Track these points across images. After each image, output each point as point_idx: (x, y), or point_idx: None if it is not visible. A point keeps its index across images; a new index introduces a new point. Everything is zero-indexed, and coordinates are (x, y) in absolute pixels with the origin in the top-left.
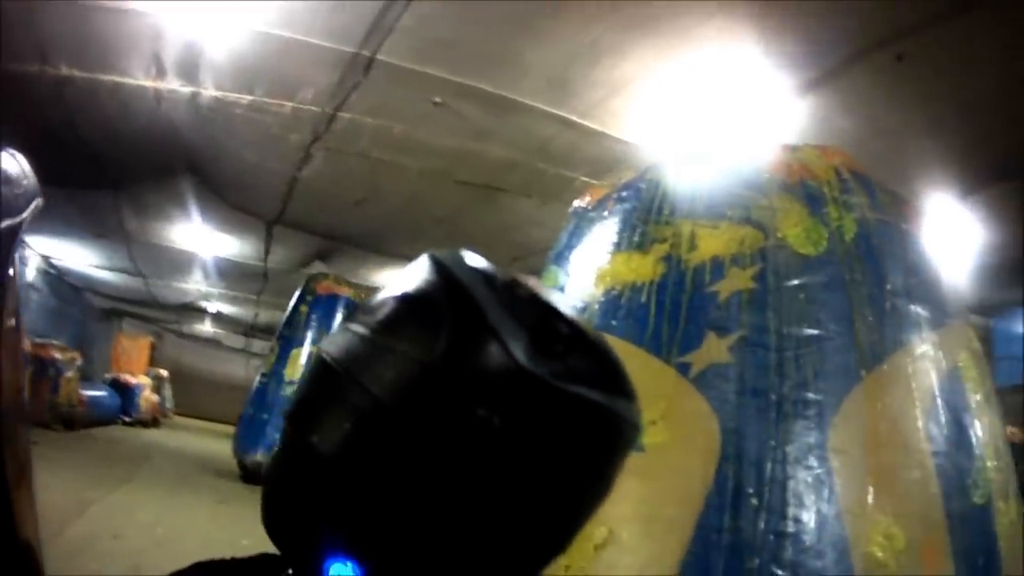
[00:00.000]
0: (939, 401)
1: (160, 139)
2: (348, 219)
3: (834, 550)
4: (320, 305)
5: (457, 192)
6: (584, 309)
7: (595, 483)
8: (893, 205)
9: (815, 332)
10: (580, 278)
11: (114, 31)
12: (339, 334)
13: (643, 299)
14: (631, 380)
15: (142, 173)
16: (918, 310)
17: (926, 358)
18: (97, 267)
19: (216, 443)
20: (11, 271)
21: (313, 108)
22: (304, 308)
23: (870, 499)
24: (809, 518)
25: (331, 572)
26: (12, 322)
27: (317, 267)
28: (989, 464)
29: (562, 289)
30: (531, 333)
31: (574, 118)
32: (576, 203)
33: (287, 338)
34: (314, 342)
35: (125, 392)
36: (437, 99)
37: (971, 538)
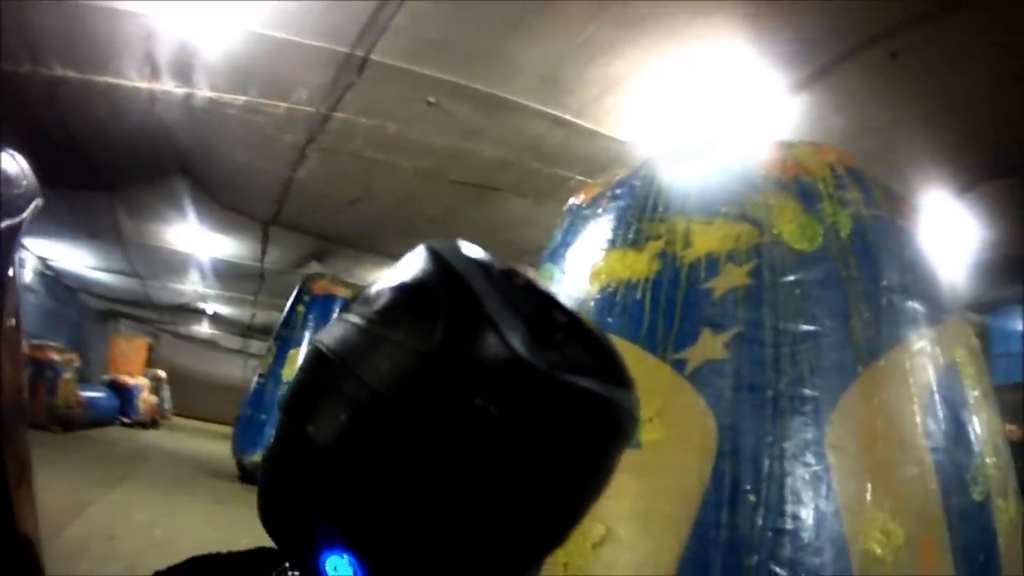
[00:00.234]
0: (937, 397)
1: (154, 140)
2: (343, 219)
3: (832, 547)
4: (317, 305)
5: (451, 191)
6: (579, 307)
7: (593, 474)
8: (888, 201)
9: (811, 328)
10: (575, 276)
11: (107, 31)
12: (335, 325)
13: (638, 296)
14: (629, 371)
15: (136, 174)
16: (915, 306)
17: (923, 354)
18: (93, 268)
19: (214, 444)
20: (11, 271)
21: (307, 108)
22: (301, 308)
23: (868, 496)
24: (807, 515)
25: (328, 565)
26: (12, 322)
27: (313, 267)
28: (988, 461)
29: (556, 286)
30: (529, 323)
31: (567, 117)
32: (571, 201)
33: (284, 339)
34: (312, 342)
35: (123, 393)
36: (431, 99)
37: (970, 535)
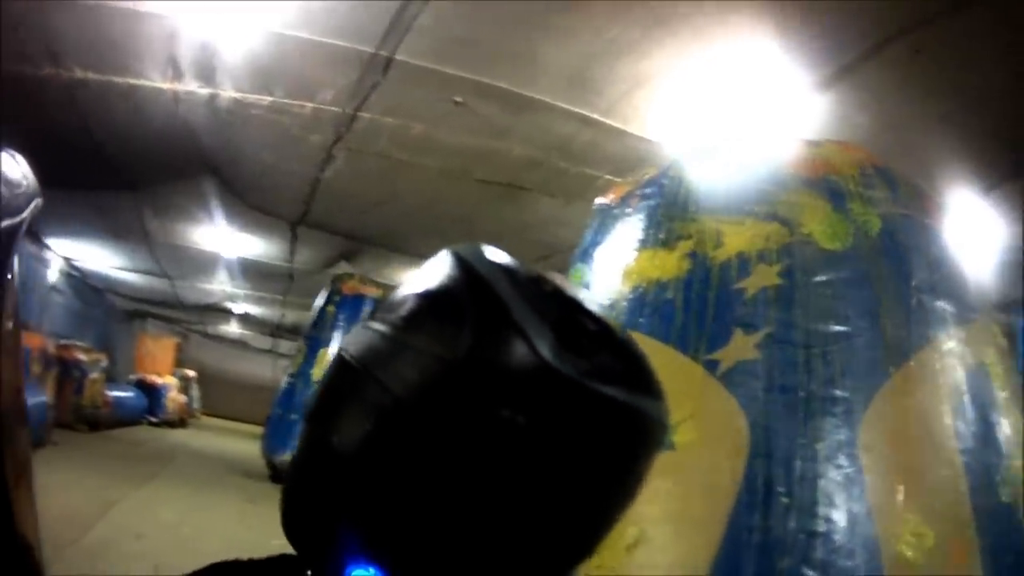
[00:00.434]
0: (966, 398)
1: (179, 141)
2: (371, 219)
3: (864, 549)
4: (346, 305)
5: (478, 191)
6: (611, 307)
7: (623, 483)
8: (916, 200)
9: (842, 328)
10: (606, 276)
11: (128, 33)
12: (359, 332)
13: (669, 296)
14: (658, 378)
15: (161, 175)
16: (944, 306)
17: (953, 354)
18: (119, 268)
19: (243, 443)
20: (10, 275)
21: (333, 109)
22: (331, 308)
23: (899, 497)
24: (840, 517)
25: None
26: (10, 324)
27: (343, 267)
28: (1016, 462)
29: (588, 287)
30: (556, 329)
31: (594, 116)
32: (600, 200)
33: (314, 338)
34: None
35: (151, 393)
36: (457, 98)
37: (999, 536)
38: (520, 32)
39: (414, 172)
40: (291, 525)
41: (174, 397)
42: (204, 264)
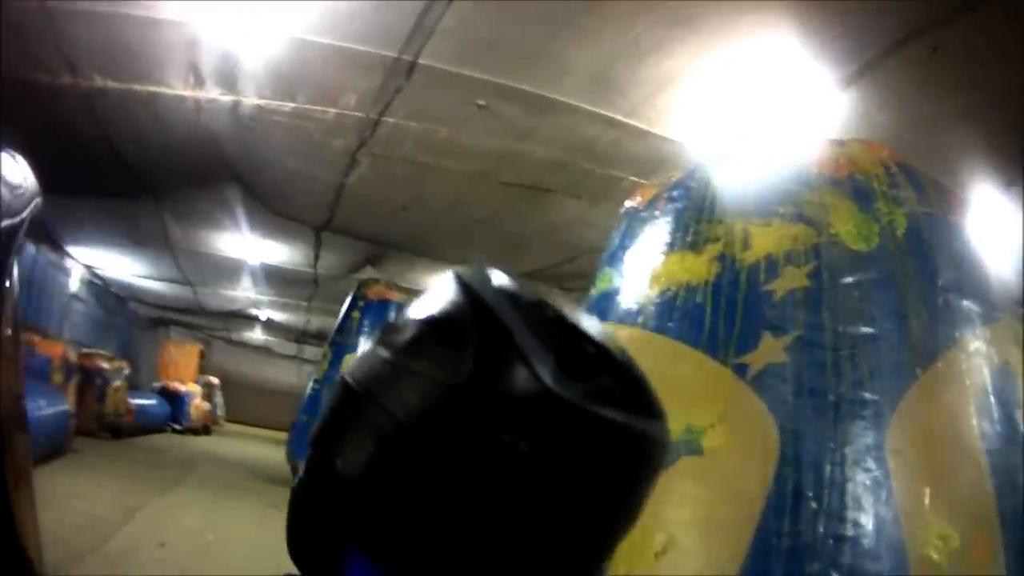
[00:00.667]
0: (992, 398)
1: (201, 148)
2: (396, 224)
3: (891, 553)
4: (372, 310)
5: (503, 194)
6: (639, 311)
7: (624, 505)
8: (940, 198)
9: (870, 330)
10: (634, 279)
11: (147, 41)
12: (363, 357)
13: (699, 299)
14: (659, 398)
15: (183, 182)
16: (970, 305)
17: (979, 354)
18: (141, 276)
19: (267, 449)
20: (9, 280)
21: (356, 114)
22: (356, 314)
23: (926, 500)
24: (867, 521)
25: None
26: (9, 331)
27: (368, 272)
28: None
29: (616, 291)
30: (558, 354)
31: (619, 117)
32: (627, 203)
33: (339, 344)
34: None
35: (174, 400)
36: (480, 101)
37: (1023, 536)
38: (543, 34)
39: (439, 176)
40: (295, 547)
41: (197, 404)
42: (227, 271)
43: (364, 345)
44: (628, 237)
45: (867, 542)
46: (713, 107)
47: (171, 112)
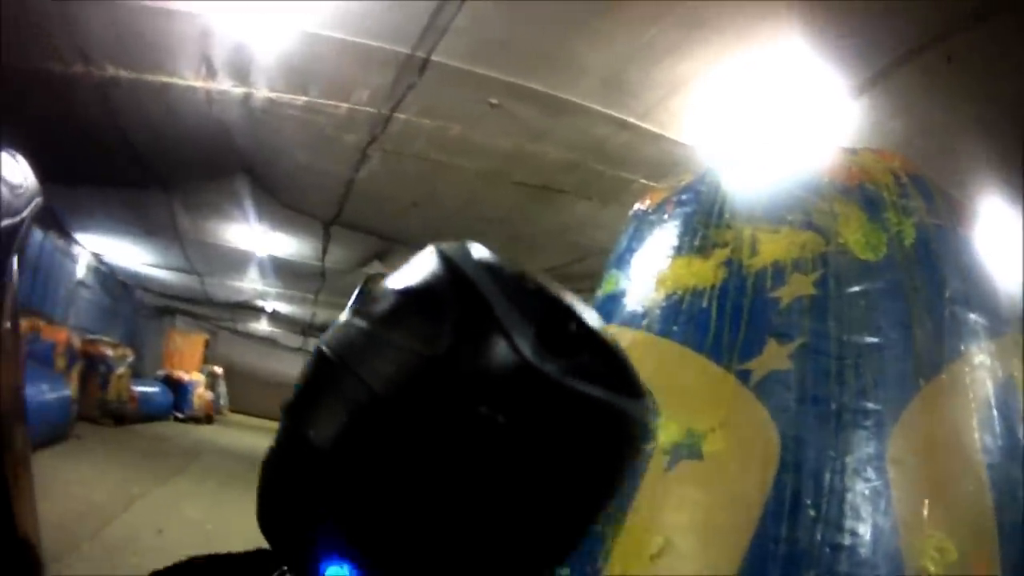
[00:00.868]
0: (994, 412)
1: (212, 139)
2: (405, 220)
3: (888, 563)
4: None
5: (514, 193)
6: (645, 314)
7: (602, 482)
8: (950, 209)
9: (875, 340)
10: (641, 282)
11: (161, 31)
12: (339, 326)
13: (704, 304)
14: (640, 377)
15: (194, 173)
16: (976, 318)
17: (983, 367)
18: (149, 265)
19: (270, 440)
20: (8, 278)
21: (368, 109)
22: None
23: (925, 512)
24: (865, 531)
25: (327, 573)
26: (9, 324)
27: (376, 267)
28: None
29: (623, 293)
30: (538, 328)
31: (631, 119)
32: (636, 206)
33: None
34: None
35: (178, 389)
36: (493, 100)
37: (1021, 551)
38: (557, 34)
39: (449, 173)
40: (266, 520)
41: (201, 393)
42: (235, 262)
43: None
44: (636, 240)
45: (864, 551)
46: (726, 112)
47: (183, 103)
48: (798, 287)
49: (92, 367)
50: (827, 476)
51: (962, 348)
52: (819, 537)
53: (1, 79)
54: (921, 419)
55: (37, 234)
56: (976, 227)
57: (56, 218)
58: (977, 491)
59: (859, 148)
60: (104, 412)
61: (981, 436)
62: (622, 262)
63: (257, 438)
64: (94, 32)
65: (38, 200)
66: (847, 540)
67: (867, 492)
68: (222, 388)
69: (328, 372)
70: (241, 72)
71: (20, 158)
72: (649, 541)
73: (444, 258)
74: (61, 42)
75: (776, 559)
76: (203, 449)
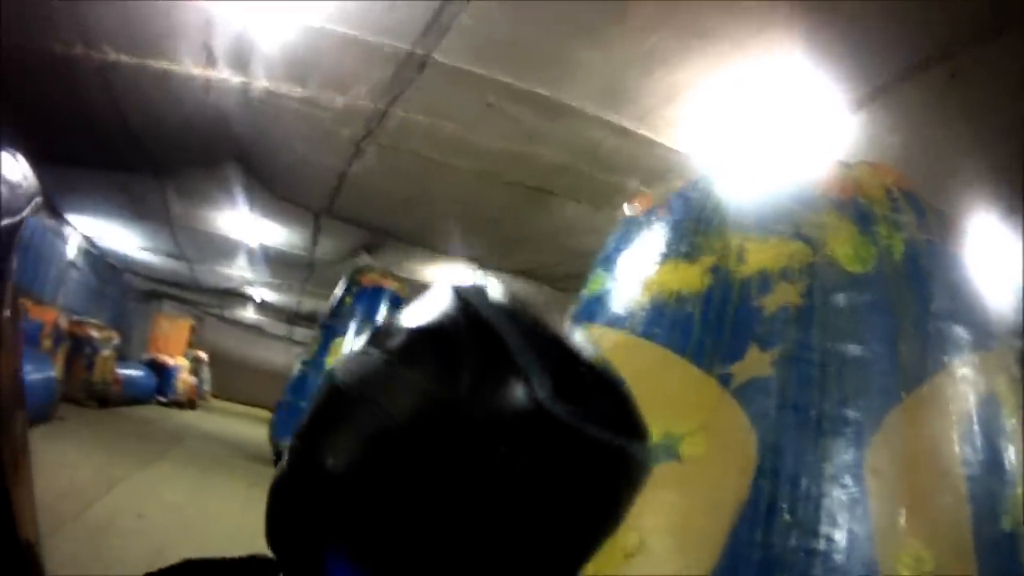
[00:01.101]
0: (976, 425)
1: (208, 127)
2: (397, 215)
3: (863, 570)
4: (365, 297)
5: (507, 194)
6: (629, 316)
7: (606, 519)
8: (941, 225)
9: (859, 351)
10: (626, 285)
11: (163, 18)
12: (355, 356)
13: (689, 309)
14: (644, 418)
15: (188, 159)
16: (961, 333)
17: (966, 381)
18: (139, 249)
19: (252, 428)
20: (9, 276)
21: (366, 104)
22: (348, 299)
23: (902, 521)
24: (841, 537)
25: None
26: (8, 313)
27: (363, 259)
28: (1020, 491)
29: (608, 294)
30: (554, 373)
31: (627, 125)
32: (626, 209)
33: (330, 327)
34: (357, 333)
35: (162, 373)
36: (490, 100)
37: (999, 564)
38: (559, 37)
39: (443, 172)
40: (276, 539)
41: (185, 378)
42: (225, 249)
43: (355, 330)
44: (624, 242)
45: (839, 558)
46: (722, 121)
47: (182, 90)
48: (784, 295)
49: (78, 348)
50: (804, 482)
51: (946, 361)
52: (794, 542)
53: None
54: (901, 429)
55: None
56: (967, 244)
57: (49, 198)
58: (955, 504)
59: (855, 162)
60: (89, 394)
61: (961, 449)
62: (609, 263)
63: (238, 425)
64: (96, 15)
65: (38, 200)
66: (822, 546)
67: (844, 499)
68: (206, 374)
69: (343, 401)
70: (241, 62)
71: (20, 157)
72: (624, 538)
73: (462, 299)
74: (62, 24)
75: (750, 563)
76: (186, 434)
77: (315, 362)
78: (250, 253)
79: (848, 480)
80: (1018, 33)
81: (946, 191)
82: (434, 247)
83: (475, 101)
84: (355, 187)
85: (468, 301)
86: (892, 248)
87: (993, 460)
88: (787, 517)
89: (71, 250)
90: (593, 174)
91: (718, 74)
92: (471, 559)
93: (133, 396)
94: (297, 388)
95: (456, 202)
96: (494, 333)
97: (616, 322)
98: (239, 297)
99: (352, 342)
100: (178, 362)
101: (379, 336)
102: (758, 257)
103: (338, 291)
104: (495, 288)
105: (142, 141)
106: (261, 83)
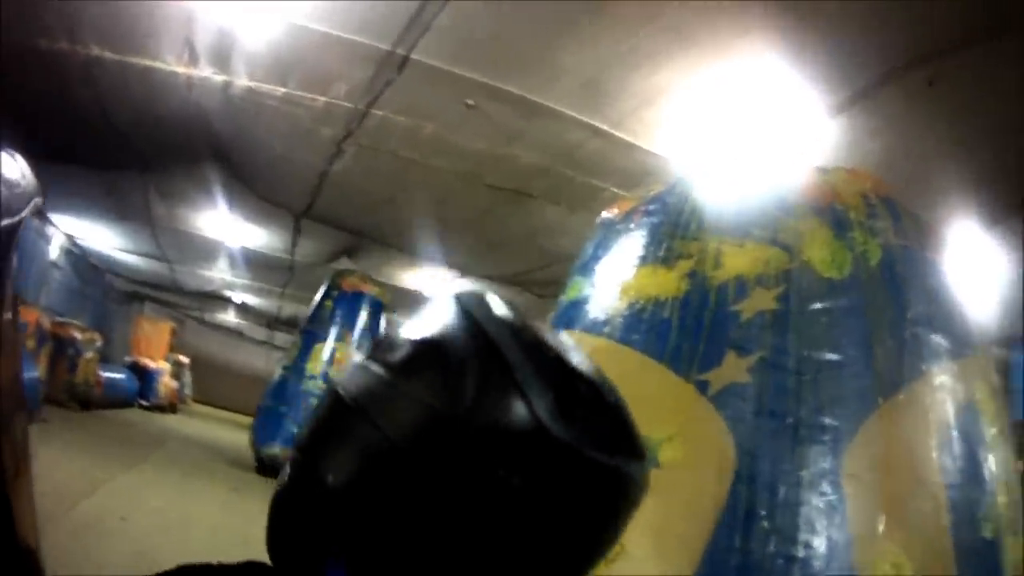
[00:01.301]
0: (954, 433)
1: (190, 125)
2: (376, 216)
3: None
4: (345, 301)
5: (486, 195)
6: (607, 322)
7: (602, 538)
8: (918, 231)
9: (835, 357)
10: (604, 290)
11: (146, 14)
12: (356, 370)
13: (666, 314)
14: (642, 439)
15: (170, 158)
16: (938, 340)
17: (944, 389)
18: (121, 249)
19: (232, 433)
20: (8, 275)
21: (346, 104)
22: (329, 303)
23: (880, 527)
24: (819, 544)
25: None
26: (9, 315)
27: (344, 263)
28: (1000, 499)
29: (586, 300)
30: (555, 393)
31: (605, 127)
32: (604, 214)
33: (311, 332)
34: (338, 338)
35: (144, 376)
36: (470, 101)
37: (978, 571)
38: (538, 38)
39: (423, 172)
40: (276, 551)
41: (166, 382)
42: (206, 251)
43: (335, 335)
44: (602, 247)
45: (818, 564)
46: (700, 124)
47: (164, 87)
48: (760, 301)
49: (61, 350)
50: (781, 489)
51: (923, 368)
52: (772, 549)
53: None
54: (878, 436)
55: None
56: (945, 250)
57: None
58: (934, 509)
59: (832, 167)
60: (71, 395)
61: (940, 457)
62: (587, 269)
63: (219, 429)
64: (81, 10)
65: (37, 200)
66: (801, 552)
67: (822, 506)
68: (187, 378)
69: (345, 416)
70: (222, 59)
71: (19, 159)
72: None
73: (465, 313)
74: (48, 18)
75: (729, 568)
76: (168, 437)
77: (296, 367)
78: (231, 255)
79: (826, 487)
80: (995, 41)
81: (925, 196)
82: (414, 252)
83: (455, 101)
84: (335, 187)
85: (471, 314)
86: (868, 254)
87: (973, 468)
88: (765, 523)
89: (53, 250)
90: (572, 176)
91: (698, 77)
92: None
93: (115, 399)
94: (278, 393)
95: (436, 203)
96: (497, 350)
97: (594, 328)
98: (220, 300)
99: (332, 347)
100: (160, 365)
101: (381, 349)
102: (735, 262)
103: (319, 296)
104: (496, 301)
105: (125, 138)
106: (242, 81)
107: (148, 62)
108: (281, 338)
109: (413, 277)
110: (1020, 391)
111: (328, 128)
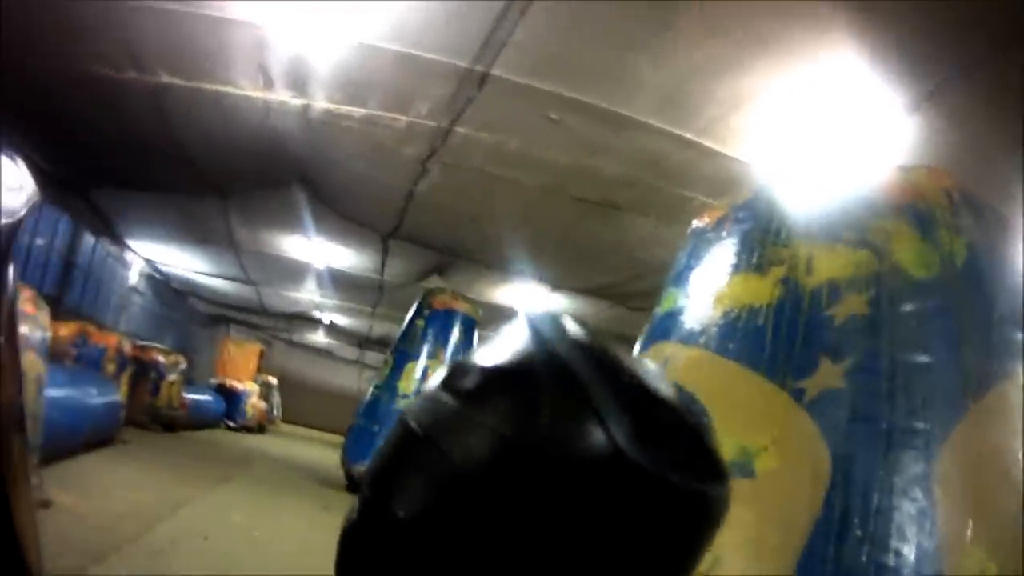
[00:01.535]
0: None
1: (269, 149)
2: (465, 233)
3: None
4: (436, 320)
5: (573, 208)
6: (702, 332)
7: (685, 562)
8: (1000, 228)
9: (925, 359)
10: (698, 300)
11: (216, 40)
12: (426, 400)
13: (760, 322)
14: (724, 459)
15: (250, 182)
16: None
17: None
18: (204, 273)
19: (322, 452)
20: (5, 284)
21: (428, 122)
22: (420, 322)
23: (968, 531)
24: (909, 551)
25: None
26: (7, 335)
27: (434, 281)
28: None
29: (681, 311)
30: (633, 417)
31: (690, 136)
32: (694, 223)
33: (402, 352)
34: (430, 356)
35: (231, 397)
36: (553, 115)
37: None
38: (616, 49)
39: (509, 187)
40: None
41: (254, 403)
42: (291, 272)
43: (428, 354)
44: (694, 257)
45: (907, 572)
46: (782, 128)
47: (240, 112)
48: (852, 305)
49: (143, 373)
50: (875, 496)
51: (1010, 368)
52: (864, 558)
53: (47, 84)
54: (968, 439)
55: (89, 239)
56: None
57: (109, 224)
58: (1019, 511)
59: (911, 166)
60: (154, 418)
61: None
62: (680, 280)
63: (309, 449)
64: (146, 38)
65: (36, 202)
66: (892, 560)
67: (913, 512)
68: (276, 398)
69: (414, 446)
70: (298, 83)
71: (18, 159)
72: None
73: (538, 336)
74: (111, 48)
75: None
76: (254, 457)
77: (388, 386)
78: (318, 276)
79: (917, 492)
80: None
81: (1002, 193)
82: (504, 267)
83: (537, 116)
84: (422, 206)
85: (544, 337)
86: (954, 253)
87: None
88: (859, 532)
89: (133, 275)
90: (659, 186)
91: (777, 81)
92: None
93: (201, 420)
94: (370, 412)
95: (523, 218)
96: (571, 373)
97: (690, 338)
98: (308, 321)
99: (424, 365)
100: (247, 387)
101: (452, 376)
102: (825, 266)
103: (410, 315)
104: (571, 322)
105: (202, 164)
106: (321, 103)
107: (220, 88)
108: (372, 357)
109: (504, 293)
110: None
111: (411, 147)
